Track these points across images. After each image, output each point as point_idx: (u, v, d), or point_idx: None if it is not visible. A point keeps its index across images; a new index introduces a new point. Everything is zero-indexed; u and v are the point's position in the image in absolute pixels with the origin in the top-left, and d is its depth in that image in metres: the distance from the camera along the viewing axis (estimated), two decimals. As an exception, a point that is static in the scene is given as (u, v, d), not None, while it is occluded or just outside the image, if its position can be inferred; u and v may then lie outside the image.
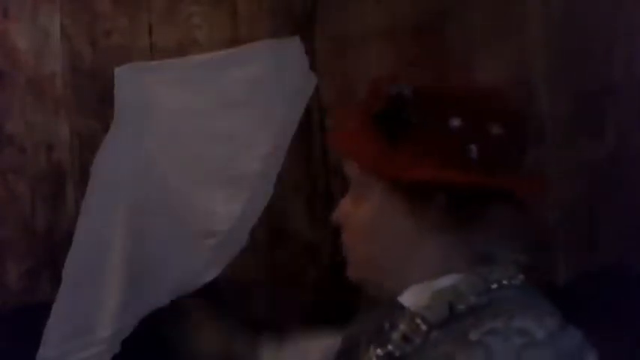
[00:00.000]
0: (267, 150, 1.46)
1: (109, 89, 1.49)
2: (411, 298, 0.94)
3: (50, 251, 1.53)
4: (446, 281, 0.92)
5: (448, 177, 0.88)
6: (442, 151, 0.89)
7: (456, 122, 0.88)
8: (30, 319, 1.47)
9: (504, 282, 0.92)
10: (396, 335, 0.93)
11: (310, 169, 1.47)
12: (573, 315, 0.89)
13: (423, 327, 0.90)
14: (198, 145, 1.47)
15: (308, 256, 1.47)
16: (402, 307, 0.95)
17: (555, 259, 1.32)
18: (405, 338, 0.92)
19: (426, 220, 0.93)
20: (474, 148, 0.88)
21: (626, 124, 1.29)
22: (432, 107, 0.90)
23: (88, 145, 1.52)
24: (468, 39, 1.36)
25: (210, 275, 1.46)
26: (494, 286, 0.91)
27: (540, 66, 1.32)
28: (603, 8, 1.30)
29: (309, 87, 1.46)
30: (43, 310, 1.45)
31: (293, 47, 1.46)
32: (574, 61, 1.31)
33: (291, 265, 1.43)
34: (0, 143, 1.55)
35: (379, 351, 0.94)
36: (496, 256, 0.94)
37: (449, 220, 0.92)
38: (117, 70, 1.49)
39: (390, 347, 0.93)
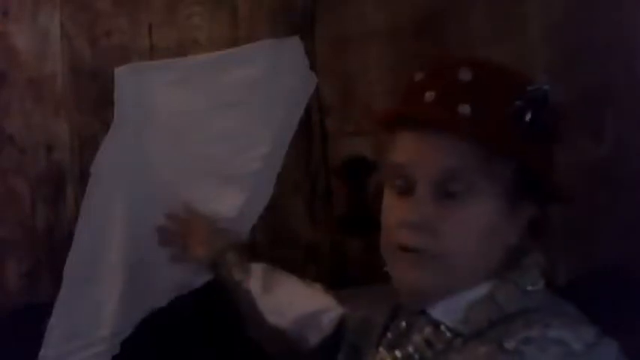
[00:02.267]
0: (267, 150, 1.46)
1: (109, 89, 1.49)
2: (444, 311, 0.90)
3: (50, 251, 1.53)
4: (481, 290, 0.89)
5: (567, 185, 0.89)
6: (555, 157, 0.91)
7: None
8: (30, 319, 1.48)
9: (529, 287, 0.89)
10: (417, 338, 0.91)
11: (310, 169, 1.47)
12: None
13: (448, 334, 0.89)
14: (198, 145, 1.47)
15: (308, 256, 1.47)
16: (422, 312, 0.92)
17: (555, 259, 1.32)
18: (428, 343, 0.90)
19: (514, 225, 0.89)
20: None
21: (626, 124, 1.29)
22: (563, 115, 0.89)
23: (88, 145, 1.52)
24: (468, 39, 1.36)
25: (209, 275, 1.46)
26: (523, 292, 0.88)
27: (540, 66, 1.32)
28: (603, 8, 1.30)
29: (309, 87, 1.46)
30: (43, 310, 1.45)
31: (293, 47, 1.46)
32: (573, 61, 1.31)
33: (291, 265, 1.43)
34: (0, 143, 1.55)
35: (397, 352, 0.92)
36: (521, 258, 0.91)
37: (525, 228, 0.90)
38: (117, 70, 1.49)
39: (410, 349, 0.91)
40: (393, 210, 0.91)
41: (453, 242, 0.86)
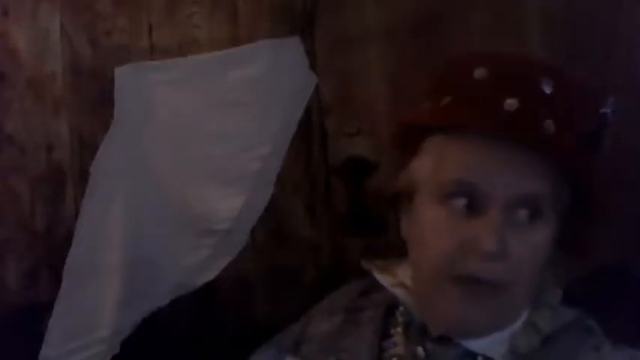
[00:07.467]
0: (267, 150, 1.46)
1: (109, 89, 1.49)
2: (488, 345, 0.82)
3: (50, 251, 1.53)
4: (523, 319, 0.84)
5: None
6: None
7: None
8: (30, 319, 1.48)
9: (553, 302, 0.85)
10: None
11: (310, 169, 1.47)
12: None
13: None
14: (198, 145, 1.47)
15: (308, 256, 1.47)
16: (448, 339, 0.84)
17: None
18: None
19: (553, 246, 0.82)
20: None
21: (625, 124, 1.29)
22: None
23: (88, 145, 1.52)
24: (468, 39, 1.36)
25: (209, 275, 1.46)
26: (554, 310, 0.85)
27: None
28: (603, 8, 1.30)
29: (309, 87, 1.46)
30: (43, 310, 1.45)
31: (293, 47, 1.46)
32: (573, 61, 1.31)
33: (291, 265, 1.43)
34: (0, 143, 1.55)
35: None
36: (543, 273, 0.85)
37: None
38: (117, 70, 1.50)
39: None
40: (452, 232, 0.78)
41: (523, 272, 0.78)
